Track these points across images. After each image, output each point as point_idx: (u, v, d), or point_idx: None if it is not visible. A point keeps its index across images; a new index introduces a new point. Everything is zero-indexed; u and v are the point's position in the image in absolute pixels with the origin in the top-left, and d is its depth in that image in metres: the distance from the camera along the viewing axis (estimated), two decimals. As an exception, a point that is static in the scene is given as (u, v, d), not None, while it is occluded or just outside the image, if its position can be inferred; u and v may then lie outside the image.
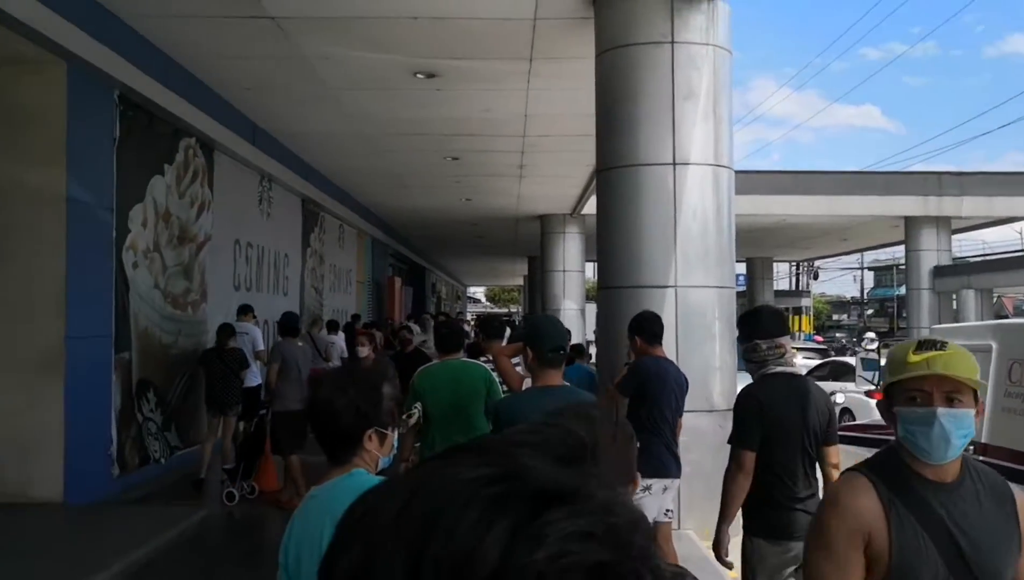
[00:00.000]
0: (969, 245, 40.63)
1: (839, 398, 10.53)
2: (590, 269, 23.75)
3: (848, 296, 66.10)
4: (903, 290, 26.30)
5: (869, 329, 34.38)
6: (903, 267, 25.23)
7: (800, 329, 40.06)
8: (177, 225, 9.07)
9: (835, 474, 3.51)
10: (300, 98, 9.84)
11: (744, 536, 3.48)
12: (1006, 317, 21.88)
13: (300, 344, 8.22)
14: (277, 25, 7.41)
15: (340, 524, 0.50)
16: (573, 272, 19.81)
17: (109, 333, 7.60)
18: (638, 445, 1.74)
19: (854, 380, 13.92)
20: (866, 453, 6.71)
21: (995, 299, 24.61)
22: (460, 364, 5.01)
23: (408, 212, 19.60)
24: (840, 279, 78.60)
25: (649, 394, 4.71)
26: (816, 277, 47.67)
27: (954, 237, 21.87)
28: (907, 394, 1.84)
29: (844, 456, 6.72)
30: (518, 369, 4.57)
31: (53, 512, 6.65)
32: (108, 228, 7.60)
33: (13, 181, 6.84)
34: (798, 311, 41.87)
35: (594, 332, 14.01)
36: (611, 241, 6.46)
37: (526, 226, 20.91)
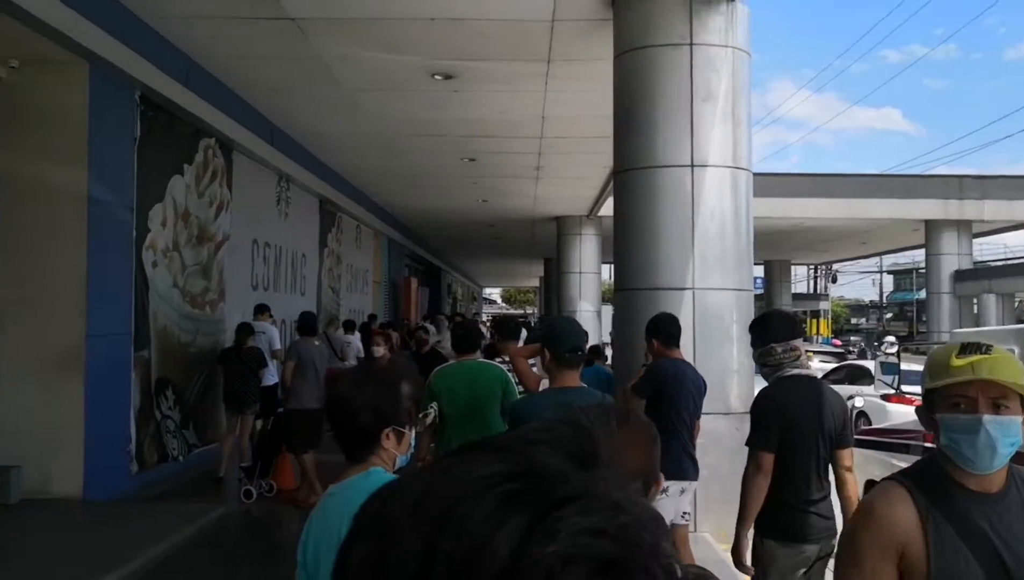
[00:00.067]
0: (990, 249, 40.25)
1: (858, 402, 10.46)
2: (606, 271, 23.70)
3: (867, 300, 65.61)
4: (923, 294, 26.07)
5: (888, 333, 34.08)
6: (923, 271, 25.01)
7: (818, 333, 39.80)
8: (196, 225, 9.14)
9: (848, 476, 3.51)
10: (318, 99, 9.89)
11: (756, 537, 3.47)
12: (1028, 322, 21.61)
13: (317, 343, 8.26)
14: (296, 26, 7.46)
15: (356, 517, 0.51)
16: (589, 274, 19.78)
17: (128, 331, 7.67)
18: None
19: (870, 384, 13.81)
20: (884, 457, 6.65)
21: (1017, 303, 24.33)
22: (476, 365, 5.02)
23: (424, 213, 19.65)
24: (859, 282, 78.05)
25: (666, 396, 4.69)
26: (834, 280, 47.31)
27: (975, 241, 21.67)
28: (950, 400, 1.74)
29: (862, 460, 6.68)
30: (534, 370, 4.57)
31: (73, 508, 6.72)
32: (128, 227, 7.67)
33: (35, 180, 6.91)
34: (816, 314, 41.62)
35: (610, 334, 13.98)
36: (628, 243, 6.44)
37: (542, 227, 20.91)
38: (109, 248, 7.32)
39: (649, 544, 0.47)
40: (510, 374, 4.93)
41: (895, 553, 1.71)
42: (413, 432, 2.05)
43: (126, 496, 7.34)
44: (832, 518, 3.49)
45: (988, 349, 1.72)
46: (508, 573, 0.43)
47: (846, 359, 21.44)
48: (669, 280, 6.18)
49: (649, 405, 4.73)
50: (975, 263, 21.78)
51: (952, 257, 20.36)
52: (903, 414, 10.72)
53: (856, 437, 6.74)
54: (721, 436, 5.74)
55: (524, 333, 9.28)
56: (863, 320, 63.44)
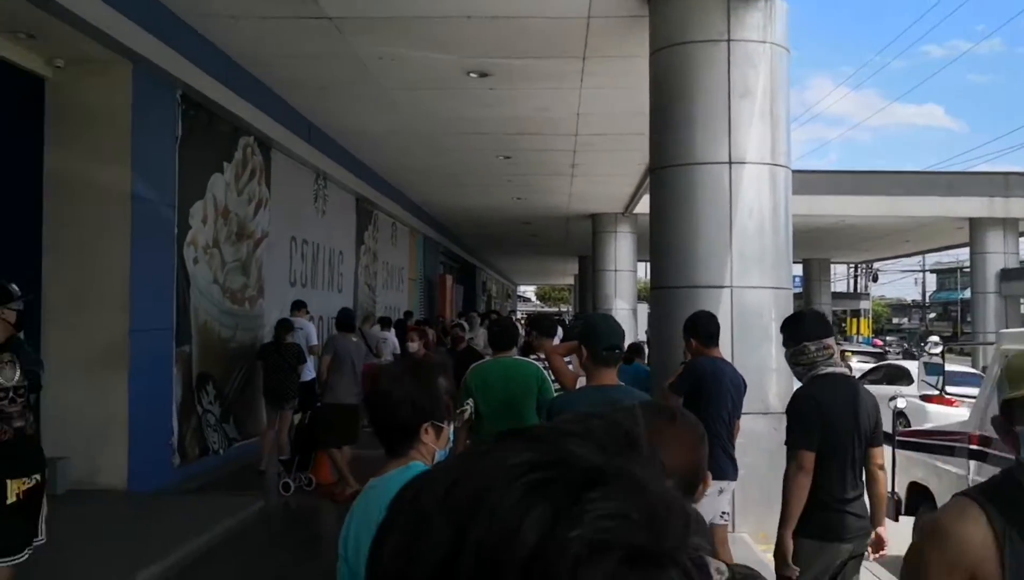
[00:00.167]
0: (1037, 247, 39.17)
1: (900, 402, 10.27)
2: (641, 269, 23.56)
3: (909, 299, 64.39)
4: (967, 293, 25.52)
5: (931, 333, 33.42)
6: (967, 269, 24.48)
7: (858, 332, 39.14)
8: (235, 222, 9.27)
9: (880, 474, 3.53)
10: (355, 97, 9.97)
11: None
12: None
13: (355, 339, 8.34)
14: (334, 25, 7.52)
15: (391, 506, 0.52)
16: (625, 271, 19.68)
17: (170, 327, 7.82)
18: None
19: (909, 384, 13.55)
20: (927, 459, 6.50)
21: (1065, 303, 23.68)
22: (512, 362, 5.03)
23: (460, 210, 19.71)
24: (901, 282, 76.52)
25: (704, 394, 4.65)
26: (875, 279, 46.46)
27: (1022, 239, 21.15)
28: None
29: (905, 462, 6.54)
30: (569, 367, 4.56)
31: (118, 499, 6.87)
32: (170, 225, 7.80)
33: (81, 179, 7.07)
34: (856, 314, 40.93)
35: (646, 332, 13.88)
36: (665, 240, 6.40)
37: (577, 225, 20.85)
38: (152, 245, 7.45)
39: (678, 533, 0.47)
40: (546, 371, 4.93)
41: (965, 575, 1.57)
42: (451, 427, 2.07)
43: (168, 488, 7.49)
44: (866, 517, 3.48)
45: None
46: (536, 559, 0.44)
47: (885, 359, 21.07)
48: (707, 278, 6.12)
49: (686, 403, 4.69)
50: (1021, 262, 21.26)
51: (998, 256, 19.91)
52: (943, 415, 10.51)
53: (898, 438, 6.63)
54: (760, 436, 5.68)
55: (560, 331, 9.27)
56: (905, 320, 62.29)
